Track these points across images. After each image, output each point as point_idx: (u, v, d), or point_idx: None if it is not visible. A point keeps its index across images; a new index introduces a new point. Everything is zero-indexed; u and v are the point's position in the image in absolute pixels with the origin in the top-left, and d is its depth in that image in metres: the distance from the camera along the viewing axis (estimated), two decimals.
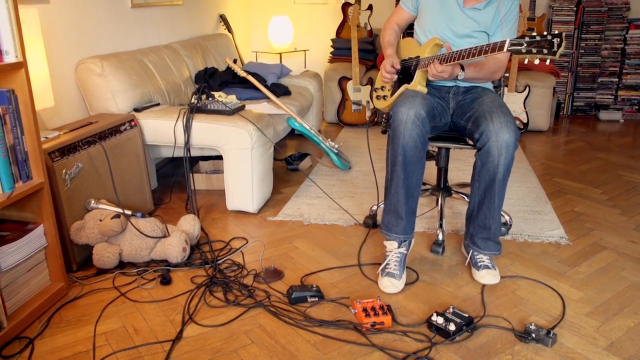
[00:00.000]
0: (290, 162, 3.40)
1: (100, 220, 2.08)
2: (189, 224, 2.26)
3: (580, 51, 4.98)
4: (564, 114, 5.11)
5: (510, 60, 4.30)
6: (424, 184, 2.55)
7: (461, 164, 3.42)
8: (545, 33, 1.63)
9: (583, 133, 4.47)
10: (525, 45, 1.64)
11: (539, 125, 4.39)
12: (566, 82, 5.02)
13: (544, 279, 2.06)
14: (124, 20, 2.99)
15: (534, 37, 1.64)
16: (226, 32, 4.28)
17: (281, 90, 3.46)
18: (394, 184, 1.96)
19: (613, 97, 5.00)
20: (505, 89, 4.25)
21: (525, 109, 4.28)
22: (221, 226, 2.54)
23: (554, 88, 4.64)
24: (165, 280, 2.01)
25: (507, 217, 2.45)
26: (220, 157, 2.69)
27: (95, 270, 2.10)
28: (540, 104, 4.35)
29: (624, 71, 4.90)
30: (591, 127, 4.68)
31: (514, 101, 4.27)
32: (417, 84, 2.04)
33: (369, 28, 4.86)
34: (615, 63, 4.90)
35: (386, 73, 2.13)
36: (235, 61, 3.80)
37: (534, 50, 1.62)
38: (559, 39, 1.61)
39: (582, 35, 4.92)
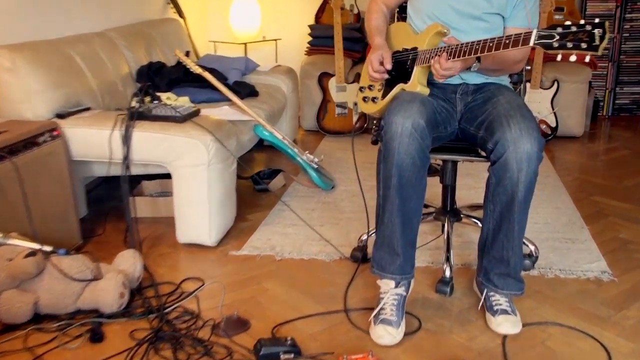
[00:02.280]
0: (258, 180, 3.41)
1: (10, 260, 2.04)
2: (128, 262, 2.26)
3: (624, 35, 5.04)
4: (603, 115, 5.16)
5: (534, 48, 4.45)
6: (426, 206, 2.56)
7: (472, 181, 3.44)
8: (583, 22, 1.64)
9: (628, 139, 4.52)
10: (557, 38, 1.65)
11: (571, 129, 4.44)
12: (606, 75, 5.11)
13: (583, 326, 2.05)
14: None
15: (569, 27, 1.65)
16: (176, 16, 4.29)
17: (246, 91, 3.48)
18: (387, 212, 1.98)
19: None
20: (528, 84, 4.31)
21: (553, 109, 4.32)
22: (170, 264, 2.54)
23: (590, 82, 4.66)
24: (97, 337, 1.99)
25: (531, 247, 2.46)
26: (168, 176, 2.70)
27: (1, 327, 2.04)
28: (572, 103, 4.39)
29: None
30: (639, 131, 4.76)
31: (539, 100, 4.32)
32: (417, 83, 2.07)
33: (355, 11, 4.91)
34: None
35: (373, 72, 2.15)
36: (187, 54, 3.84)
37: (569, 45, 1.63)
38: (601, 30, 1.61)
39: (626, 15, 5.00)
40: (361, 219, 2.81)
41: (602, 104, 5.16)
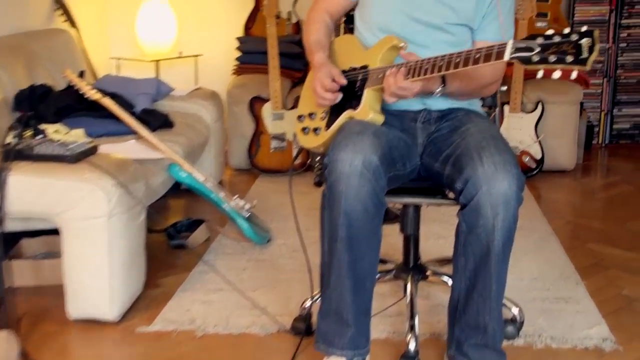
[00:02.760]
0: (173, 235, 3.41)
1: None
2: (0, 347, 2.19)
3: (621, 45, 5.17)
4: (598, 143, 5.25)
5: (511, 64, 4.57)
6: (383, 262, 2.56)
7: (440, 228, 3.47)
8: (567, 30, 1.69)
9: (630, 172, 4.62)
10: (537, 50, 1.70)
11: (560, 162, 4.52)
12: (600, 94, 5.22)
13: None
14: None
15: (551, 37, 1.70)
16: (67, 26, 4.26)
17: (158, 121, 3.51)
18: (334, 272, 2.00)
19: None
20: (506, 108, 4.42)
21: (538, 137, 4.39)
22: (59, 347, 2.48)
23: (582, 104, 4.74)
24: None
25: (514, 310, 2.46)
26: (56, 232, 2.66)
27: None
28: (561, 129, 4.48)
29: None
30: None
31: (520, 126, 4.40)
32: (368, 109, 2.12)
33: (294, 20, 4.98)
34: None
35: (324, 92, 2.18)
36: (82, 74, 3.71)
37: (552, 58, 1.68)
38: (589, 40, 1.66)
39: (622, 21, 5.13)
40: (304, 280, 2.75)
41: (597, 129, 5.23)
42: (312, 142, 2.27)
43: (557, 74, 1.69)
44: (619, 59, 5.23)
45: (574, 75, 1.71)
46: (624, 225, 3.60)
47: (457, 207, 2.07)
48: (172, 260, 3.25)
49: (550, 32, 1.71)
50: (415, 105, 2.25)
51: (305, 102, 2.34)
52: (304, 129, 2.30)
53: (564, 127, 4.50)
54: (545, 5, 4.88)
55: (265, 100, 4.46)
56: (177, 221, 3.57)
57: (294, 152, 4.45)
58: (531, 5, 4.28)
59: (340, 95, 2.19)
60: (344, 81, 2.17)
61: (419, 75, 1.98)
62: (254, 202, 3.47)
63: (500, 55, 1.76)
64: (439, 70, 1.92)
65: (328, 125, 2.21)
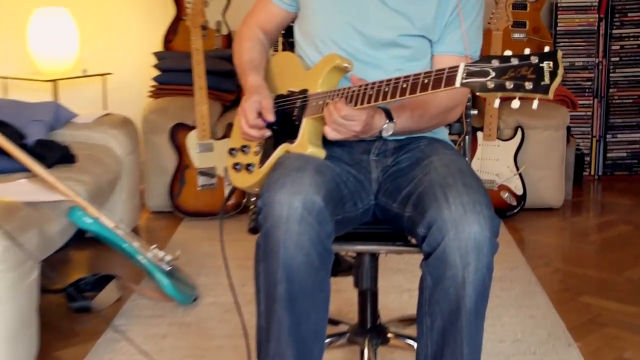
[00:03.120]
0: (75, 295, 3.35)
1: None
2: None
3: (612, 59, 5.31)
4: (590, 175, 5.35)
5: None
6: (334, 322, 2.57)
7: (404, 280, 3.47)
8: (527, 51, 1.71)
9: (629, 208, 4.67)
10: (492, 75, 1.72)
11: (546, 198, 4.59)
12: (590, 117, 5.32)
13: None
14: None
15: (507, 59, 1.72)
16: None
17: (56, 155, 3.48)
18: (273, 338, 1.99)
19: None
20: (479, 135, 4.46)
21: (518, 169, 4.46)
22: None
23: (569, 129, 4.83)
24: None
25: None
26: None
27: None
28: (545, 160, 4.55)
29: None
30: None
31: (496, 157, 4.45)
32: (307, 142, 2.13)
33: (224, 31, 5.00)
34: None
35: (248, 128, 2.23)
36: None
37: (509, 85, 1.70)
38: (551, 63, 1.67)
39: (614, 31, 5.27)
40: (238, 347, 2.75)
41: (587, 159, 5.30)
42: (244, 180, 2.28)
43: (516, 104, 1.70)
44: (611, 75, 5.34)
45: (535, 104, 1.70)
46: (623, 273, 3.63)
47: (421, 256, 2.06)
48: (74, 326, 3.17)
49: (507, 53, 1.72)
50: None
51: (238, 134, 2.33)
52: (235, 165, 2.31)
53: (549, 156, 4.56)
54: (523, 13, 4.97)
55: (190, 128, 4.46)
56: (80, 278, 3.50)
57: (226, 191, 4.44)
58: (506, 13, 4.34)
59: (267, 133, 2.23)
60: (270, 118, 2.20)
61: (362, 104, 1.99)
62: (177, 252, 3.45)
63: (450, 81, 1.79)
64: (384, 98, 1.94)
65: (262, 161, 2.22)
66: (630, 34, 5.32)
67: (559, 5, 5.29)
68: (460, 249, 1.91)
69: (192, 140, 4.45)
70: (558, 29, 5.28)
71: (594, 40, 5.28)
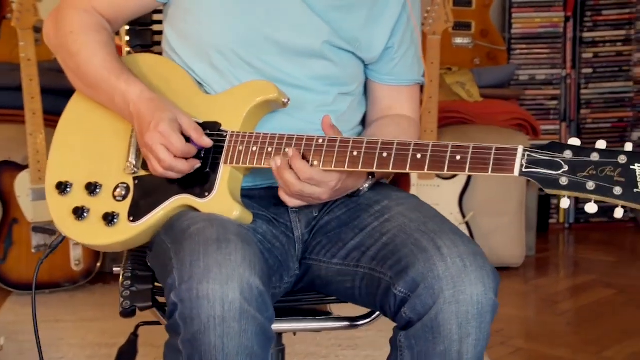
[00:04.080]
0: None
1: None
2: None
3: (584, 70, 5.40)
4: (559, 223, 5.43)
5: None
6: None
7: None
8: (603, 146, 1.73)
9: (609, 267, 4.66)
10: (565, 169, 1.76)
11: (501, 254, 4.55)
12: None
13: None
14: None
15: (586, 152, 1.75)
16: None
17: None
18: None
19: None
20: (413, 172, 4.17)
21: (464, 216, 4.48)
22: None
23: None
24: None
25: None
26: None
27: None
28: (500, 204, 4.54)
29: None
30: (628, 251, 4.99)
31: (436, 200, 4.42)
32: (232, 201, 2.08)
33: None
34: None
35: (173, 159, 2.10)
36: None
37: (590, 186, 1.73)
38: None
39: (584, 34, 5.36)
40: None
41: (555, 202, 5.31)
42: (97, 235, 2.14)
43: (565, 203, 1.74)
44: (582, 92, 5.39)
45: (620, 212, 1.72)
46: (603, 353, 3.54)
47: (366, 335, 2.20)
48: None
49: (574, 141, 1.74)
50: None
51: (73, 159, 2.20)
52: (78, 211, 2.15)
53: (505, 200, 4.53)
54: (468, 12, 5.06)
55: (21, 168, 4.32)
56: None
57: (75, 255, 4.33)
58: (445, 12, 4.30)
59: (197, 164, 2.15)
60: (207, 142, 2.12)
61: (338, 166, 2.00)
62: (0, 341, 3.32)
63: (506, 166, 1.81)
64: (382, 166, 1.96)
65: (137, 213, 2.12)
66: (606, 38, 5.37)
67: (513, 1, 5.29)
68: (459, 315, 1.88)
69: (22, 184, 4.31)
70: (513, 31, 5.33)
71: (560, 47, 5.33)
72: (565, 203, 1.75)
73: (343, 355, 3.47)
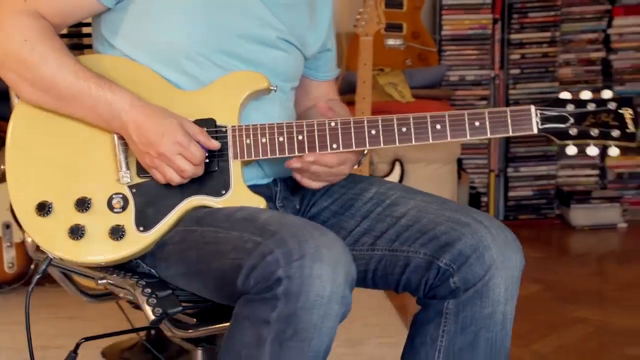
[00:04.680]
0: None
1: None
2: None
3: (512, 71, 5.48)
4: None
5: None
6: None
7: None
8: (590, 96, 1.97)
9: (538, 263, 4.73)
10: (572, 122, 1.97)
11: None
12: (487, 146, 5.47)
13: None
14: None
15: (583, 103, 1.97)
16: None
17: None
18: None
19: (597, 172, 5.57)
20: None
21: None
22: None
23: (460, 161, 4.93)
24: None
25: None
26: None
27: None
28: None
29: None
30: (554, 248, 5.08)
31: None
32: (250, 192, 2.11)
33: None
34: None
35: (188, 165, 2.08)
36: None
37: (594, 133, 1.98)
38: (630, 110, 1.97)
39: (512, 36, 5.44)
40: None
41: (485, 199, 5.36)
42: (106, 252, 2.08)
43: (572, 150, 1.95)
44: (510, 92, 5.44)
45: (616, 151, 1.97)
46: (530, 346, 3.58)
47: None
48: None
49: (583, 95, 1.96)
50: (258, 178, 2.25)
51: (45, 176, 2.09)
52: (75, 230, 2.06)
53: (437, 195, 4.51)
54: (399, 13, 5.06)
55: None
56: None
57: (7, 256, 4.29)
58: (377, 14, 4.30)
59: (200, 171, 2.13)
60: (216, 144, 2.11)
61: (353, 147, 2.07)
62: None
63: (525, 124, 1.98)
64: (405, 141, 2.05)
65: (145, 223, 2.09)
66: (532, 40, 5.41)
67: (443, 3, 5.31)
68: (506, 279, 2.00)
69: None
70: (443, 33, 5.33)
71: (489, 48, 5.37)
72: (572, 150, 1.95)
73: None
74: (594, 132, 1.94)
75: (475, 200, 5.17)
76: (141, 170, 2.09)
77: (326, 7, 2.36)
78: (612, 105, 1.94)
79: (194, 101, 2.14)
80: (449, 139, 2.02)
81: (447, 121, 2.02)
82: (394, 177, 4.47)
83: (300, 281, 1.84)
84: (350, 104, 4.29)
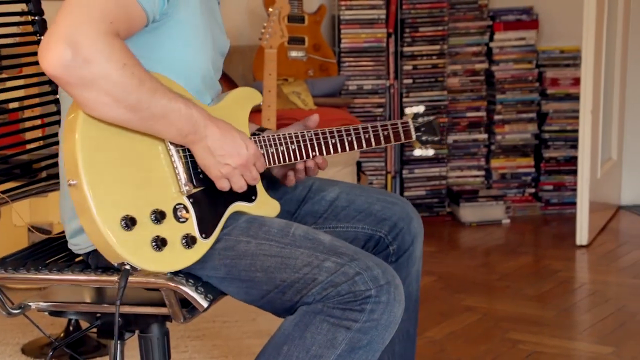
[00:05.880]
0: None
1: None
2: None
3: (405, 81, 5.61)
4: None
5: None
6: None
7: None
8: (420, 110, 2.48)
9: (430, 256, 4.84)
10: (423, 130, 2.48)
11: None
12: (384, 150, 5.56)
13: None
14: None
15: (421, 115, 2.45)
16: None
17: None
18: None
19: (483, 173, 5.77)
20: None
21: None
22: None
23: (360, 164, 5.06)
24: None
25: None
26: None
27: None
28: None
29: (497, 117, 5.73)
30: (446, 242, 5.23)
31: None
32: (269, 197, 2.23)
33: None
34: (477, 102, 5.71)
35: (254, 178, 2.11)
36: None
37: (425, 137, 2.49)
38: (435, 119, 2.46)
39: (405, 49, 5.59)
40: None
41: None
42: (181, 261, 2.06)
43: (419, 152, 2.48)
44: (404, 100, 5.57)
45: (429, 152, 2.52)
46: (424, 334, 3.72)
47: None
48: None
49: (418, 109, 2.42)
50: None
51: (118, 190, 2.02)
52: (157, 241, 2.03)
53: None
54: (301, 27, 5.17)
55: None
56: None
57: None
58: (280, 28, 4.43)
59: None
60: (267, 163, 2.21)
61: (326, 153, 2.29)
62: None
63: (408, 135, 2.42)
64: (350, 148, 2.32)
65: (206, 230, 2.08)
66: (423, 52, 5.59)
67: (341, 18, 5.43)
68: (421, 242, 2.37)
69: None
70: (342, 45, 5.46)
71: (384, 60, 5.51)
72: (419, 152, 2.42)
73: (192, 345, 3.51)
74: (425, 137, 2.41)
75: None
76: (196, 180, 2.07)
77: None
78: (430, 117, 2.41)
79: (217, 115, 2.09)
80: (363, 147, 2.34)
81: (370, 131, 2.34)
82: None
83: (387, 302, 1.98)
84: (257, 111, 4.28)
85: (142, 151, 2.04)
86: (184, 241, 2.05)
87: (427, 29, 5.64)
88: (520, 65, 5.72)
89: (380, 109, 5.54)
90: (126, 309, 2.18)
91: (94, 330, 2.39)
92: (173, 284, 2.05)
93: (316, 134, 2.25)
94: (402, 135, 2.36)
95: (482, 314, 3.98)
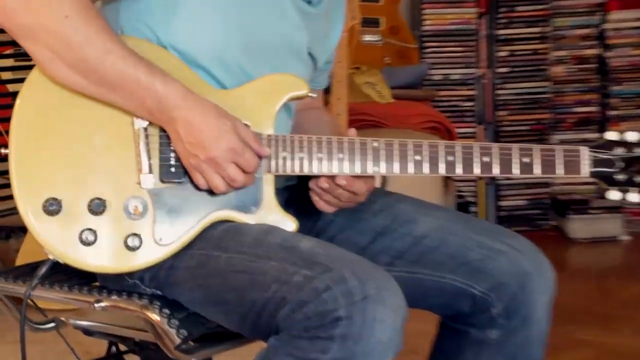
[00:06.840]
0: None
1: None
2: None
3: (499, 70, 5.39)
4: None
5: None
6: None
7: None
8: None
9: None
10: (621, 166, 1.92)
11: None
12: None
13: None
14: None
15: (630, 146, 1.90)
16: None
17: None
18: None
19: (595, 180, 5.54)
20: None
21: None
22: None
23: None
24: None
25: None
26: None
27: None
28: None
29: (611, 113, 5.45)
30: (551, 263, 4.79)
31: None
32: (282, 211, 2.03)
33: None
34: (587, 95, 5.44)
35: (244, 177, 2.01)
36: None
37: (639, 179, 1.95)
38: None
39: (499, 32, 5.35)
40: None
41: (474, 209, 5.34)
42: (120, 260, 1.97)
43: (617, 195, 1.93)
44: (497, 92, 5.33)
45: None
46: None
47: None
48: None
49: (629, 137, 1.91)
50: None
51: (57, 168, 1.95)
52: (86, 234, 1.94)
53: None
54: (376, 7, 4.98)
55: None
56: None
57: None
58: (352, 8, 4.06)
59: (252, 180, 2.11)
60: (267, 152, 2.03)
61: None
62: None
63: (574, 167, 1.93)
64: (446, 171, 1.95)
65: (166, 233, 1.99)
66: (522, 35, 5.32)
67: None
68: (547, 304, 2.03)
69: None
70: (423, 28, 5.25)
71: (474, 45, 5.29)
72: (615, 195, 1.89)
73: None
74: (638, 179, 1.94)
75: (463, 209, 5.05)
76: (166, 174, 1.95)
77: (339, 22, 2.24)
78: None
79: (226, 101, 1.97)
80: (498, 173, 1.91)
81: (497, 154, 1.90)
82: (375, 181, 4.07)
83: (362, 324, 1.76)
84: (325, 105, 4.04)
85: (104, 127, 1.96)
86: (128, 240, 1.96)
87: (526, 7, 5.39)
88: (639, 51, 5.32)
89: (470, 103, 5.35)
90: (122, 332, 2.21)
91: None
92: (141, 310, 2.02)
93: (353, 143, 1.95)
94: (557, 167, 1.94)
95: (597, 350, 3.72)
